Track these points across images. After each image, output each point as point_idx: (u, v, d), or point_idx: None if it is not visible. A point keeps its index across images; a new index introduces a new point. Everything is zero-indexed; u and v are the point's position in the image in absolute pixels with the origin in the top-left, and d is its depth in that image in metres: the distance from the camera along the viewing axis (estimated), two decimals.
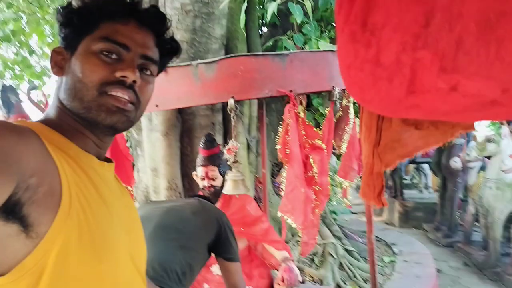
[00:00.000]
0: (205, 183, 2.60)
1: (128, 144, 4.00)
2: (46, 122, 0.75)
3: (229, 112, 1.83)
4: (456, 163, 5.30)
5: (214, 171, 2.59)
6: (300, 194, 1.86)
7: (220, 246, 1.65)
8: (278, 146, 1.90)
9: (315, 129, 1.94)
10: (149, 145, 3.71)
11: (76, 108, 0.75)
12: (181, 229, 1.60)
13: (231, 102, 1.81)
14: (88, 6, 0.78)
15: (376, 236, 5.38)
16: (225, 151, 2.06)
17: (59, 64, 0.79)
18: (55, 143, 0.69)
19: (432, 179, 9.99)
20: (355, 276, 3.72)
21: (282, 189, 4.43)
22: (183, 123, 3.72)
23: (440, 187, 6.94)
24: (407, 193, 8.61)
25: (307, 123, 1.93)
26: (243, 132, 3.96)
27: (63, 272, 0.63)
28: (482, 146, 5.06)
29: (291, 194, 1.88)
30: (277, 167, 4.73)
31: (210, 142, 2.62)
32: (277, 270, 2.97)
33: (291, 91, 1.86)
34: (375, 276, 2.49)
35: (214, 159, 2.58)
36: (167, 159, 3.61)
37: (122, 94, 0.76)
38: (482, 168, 5.37)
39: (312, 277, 3.58)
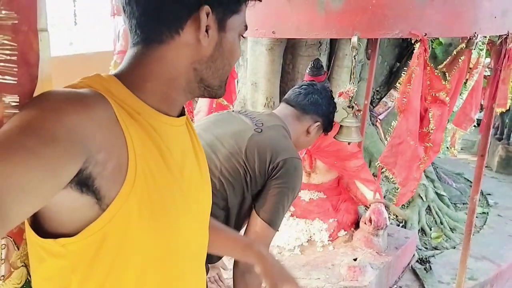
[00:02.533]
0: None
1: None
2: (122, 74, 0.71)
3: (350, 51, 1.67)
4: None
5: None
6: (409, 150, 1.71)
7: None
8: (397, 95, 1.73)
9: (443, 82, 1.72)
10: (253, 58, 3.64)
11: (211, 84, 0.77)
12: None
13: (354, 40, 1.63)
14: None
15: (470, 181, 5.07)
16: (336, 94, 1.93)
17: (207, 31, 0.70)
18: (125, 105, 0.67)
19: None
20: (441, 223, 3.59)
21: (380, 120, 4.25)
22: (288, 38, 3.56)
23: None
24: None
25: (435, 73, 1.71)
26: (349, 54, 3.71)
27: (126, 240, 0.67)
28: None
29: (397, 147, 1.74)
30: (378, 94, 4.48)
31: (317, 68, 2.49)
32: (366, 207, 2.95)
33: (425, 34, 1.62)
34: (470, 236, 2.36)
35: None
36: (269, 76, 3.55)
37: None
38: None
39: (396, 216, 3.52)
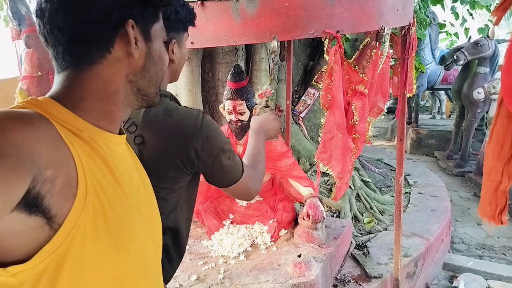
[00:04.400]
0: (232, 117, 2.54)
1: None
2: (58, 96, 0.71)
3: (268, 54, 1.70)
4: (479, 94, 5.15)
5: (242, 105, 2.52)
6: (340, 143, 1.79)
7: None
8: (321, 93, 1.79)
9: (360, 75, 1.82)
10: None
11: (148, 92, 0.80)
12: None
13: (274, 44, 1.67)
14: None
15: (390, 165, 5.42)
16: (256, 95, 1.96)
17: (136, 43, 0.74)
18: (67, 125, 0.67)
19: (446, 105, 9.89)
20: (371, 208, 3.79)
21: (301, 118, 4.38)
22: (204, 47, 3.56)
23: (457, 116, 6.84)
24: (419, 117, 8.53)
25: (352, 67, 1.80)
26: (265, 57, 3.79)
27: (82, 260, 0.65)
28: None
29: (329, 142, 1.81)
30: (296, 94, 4.63)
31: (238, 74, 2.50)
32: (301, 203, 3.02)
33: (338, 31, 1.70)
34: (400, 217, 2.52)
35: (242, 93, 2.49)
36: (189, 86, 3.51)
37: None
38: None
39: (329, 207, 3.65)
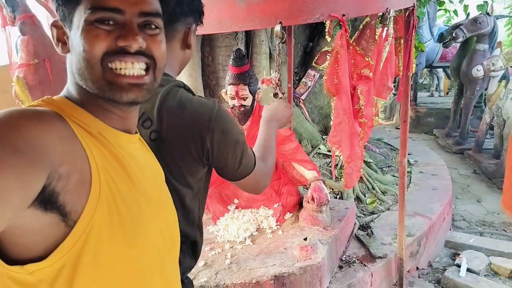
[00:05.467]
0: (235, 102, 2.53)
1: None
2: (69, 96, 0.72)
3: (270, 38, 1.68)
4: (479, 71, 5.12)
5: (245, 90, 2.50)
6: (347, 128, 1.79)
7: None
8: (324, 77, 1.78)
9: (366, 58, 1.80)
10: None
11: (90, 88, 0.72)
12: None
13: (277, 28, 1.65)
14: None
15: (390, 145, 5.44)
16: (259, 80, 1.94)
17: (62, 40, 0.73)
18: (80, 123, 0.68)
19: (444, 83, 9.87)
20: (373, 188, 3.81)
21: (302, 100, 4.37)
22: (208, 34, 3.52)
23: (456, 93, 6.83)
24: (418, 95, 8.53)
25: (358, 51, 1.78)
26: (265, 40, 3.76)
27: (98, 257, 0.65)
28: (510, 55, 4.86)
29: (339, 126, 1.81)
30: (296, 76, 4.60)
31: (240, 58, 2.48)
32: (305, 186, 3.03)
33: (343, 15, 1.68)
34: (404, 198, 2.53)
35: (244, 77, 2.47)
36: (189, 71, 3.48)
37: (130, 65, 0.71)
38: (503, 77, 5.21)
39: (332, 189, 3.67)
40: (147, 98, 0.76)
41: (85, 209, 0.63)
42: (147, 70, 0.74)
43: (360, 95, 1.80)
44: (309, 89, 4.41)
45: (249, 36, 3.71)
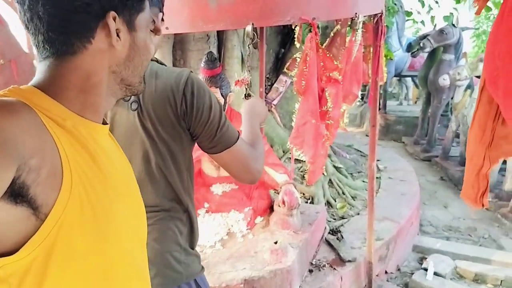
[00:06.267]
0: None
1: None
2: (40, 85, 0.70)
3: (243, 41, 1.69)
4: (445, 80, 5.27)
5: (216, 93, 2.49)
6: (312, 129, 1.80)
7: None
8: (294, 79, 1.79)
9: (335, 62, 1.83)
10: None
11: (132, 82, 0.79)
12: None
13: (248, 29, 1.65)
14: None
15: (360, 151, 5.53)
16: (232, 82, 1.94)
17: (118, 34, 0.72)
18: (50, 114, 0.66)
19: (412, 91, 10.13)
20: (343, 193, 3.85)
21: (274, 105, 4.38)
22: (175, 34, 3.49)
23: (424, 102, 7.02)
24: (387, 103, 8.72)
25: (327, 55, 1.80)
26: (238, 44, 3.76)
27: (70, 251, 0.65)
28: (474, 65, 5.02)
29: (302, 127, 1.82)
30: (268, 81, 4.62)
31: (212, 61, 2.47)
32: (275, 190, 3.03)
33: (314, 18, 1.70)
34: (373, 202, 2.57)
35: (216, 80, 2.46)
36: None
37: None
38: (468, 86, 5.39)
39: (303, 194, 3.69)
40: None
41: (57, 202, 0.62)
42: None
43: (328, 97, 1.82)
44: (281, 95, 4.44)
45: (221, 40, 3.71)
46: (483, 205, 0.97)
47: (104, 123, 0.80)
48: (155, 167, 1.17)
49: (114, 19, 0.70)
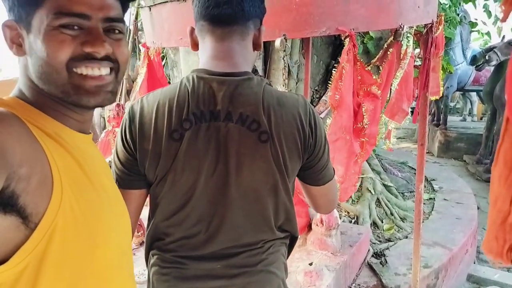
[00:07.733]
0: None
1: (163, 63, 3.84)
2: (21, 97, 0.71)
3: (282, 53, 1.62)
4: None
5: None
6: (345, 146, 1.68)
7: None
8: (329, 92, 1.69)
9: (374, 76, 1.70)
10: (186, 68, 3.52)
11: (54, 92, 0.71)
12: None
13: (277, 43, 1.58)
14: None
15: (414, 169, 5.21)
16: None
17: (16, 42, 0.70)
18: (38, 124, 0.67)
19: (477, 107, 9.53)
20: (392, 214, 3.64)
21: (321, 118, 4.26)
22: None
23: (489, 119, 6.55)
24: (449, 119, 8.21)
25: (366, 68, 1.68)
26: (284, 56, 3.69)
27: (62, 258, 0.64)
28: None
29: (334, 144, 1.70)
30: (317, 93, 4.50)
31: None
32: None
33: (352, 29, 1.60)
34: (420, 226, 2.38)
35: None
36: None
37: (97, 70, 0.72)
38: None
39: (348, 212, 3.52)
40: (112, 102, 0.77)
41: (48, 210, 0.62)
42: (110, 73, 0.75)
43: (364, 113, 1.70)
44: (329, 108, 4.30)
45: (267, 51, 3.66)
46: (511, 262, 0.78)
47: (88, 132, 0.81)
48: (281, 202, 1.08)
49: (10, 27, 0.71)
